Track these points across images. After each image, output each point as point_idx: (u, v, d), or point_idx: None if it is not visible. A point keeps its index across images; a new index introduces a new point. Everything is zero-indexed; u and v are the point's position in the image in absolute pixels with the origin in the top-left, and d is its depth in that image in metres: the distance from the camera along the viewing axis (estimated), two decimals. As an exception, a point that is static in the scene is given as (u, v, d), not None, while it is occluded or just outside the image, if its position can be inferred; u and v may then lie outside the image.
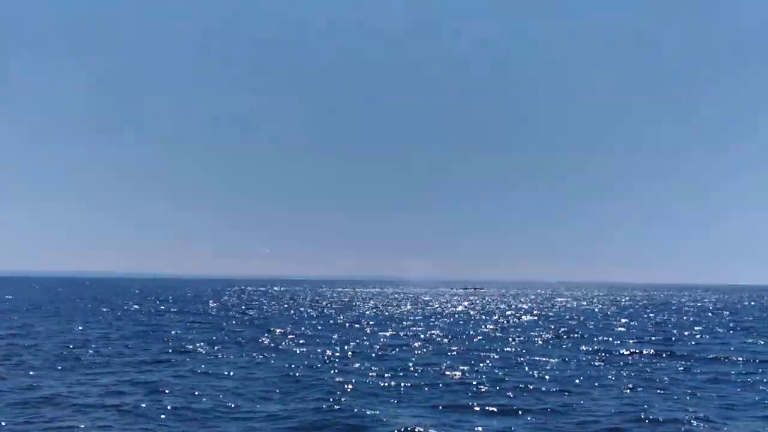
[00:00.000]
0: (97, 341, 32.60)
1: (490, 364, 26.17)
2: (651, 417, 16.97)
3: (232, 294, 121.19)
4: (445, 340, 35.60)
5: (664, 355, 29.59)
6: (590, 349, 32.06)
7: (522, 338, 37.13)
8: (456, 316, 59.46)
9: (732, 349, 32.36)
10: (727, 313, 70.34)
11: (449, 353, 29.79)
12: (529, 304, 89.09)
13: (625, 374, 24.06)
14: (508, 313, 66.07)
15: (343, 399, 18.57)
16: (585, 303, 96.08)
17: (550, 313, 65.62)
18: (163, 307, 68.03)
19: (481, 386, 21.15)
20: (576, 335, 39.63)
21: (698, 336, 39.93)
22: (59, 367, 23.75)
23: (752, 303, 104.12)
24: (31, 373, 22.39)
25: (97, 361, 25.39)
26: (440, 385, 21.40)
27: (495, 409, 17.89)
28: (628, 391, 20.68)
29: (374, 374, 23.31)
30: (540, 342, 35.34)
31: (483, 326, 46.31)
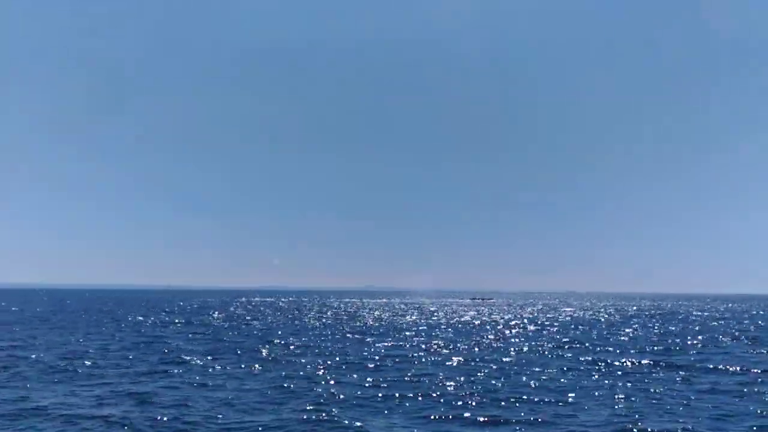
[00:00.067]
0: (96, 352, 32.69)
1: (487, 375, 26.06)
2: (641, 428, 16.84)
3: (238, 305, 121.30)
4: (446, 351, 35.47)
5: (662, 366, 29.36)
6: (589, 359, 31.86)
7: (523, 348, 36.95)
8: (460, 326, 59.26)
9: (733, 359, 32.08)
10: (734, 322, 69.76)
11: (448, 363, 29.68)
12: (535, 315, 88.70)
13: (621, 385, 23.88)
14: (513, 323, 65.79)
15: (333, 410, 18.53)
16: (591, 313, 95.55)
17: (555, 323, 65.30)
18: (167, 319, 68.18)
19: (475, 397, 21.06)
20: (577, 345, 39.40)
21: (700, 346, 39.60)
22: (54, 379, 23.87)
23: (761, 312, 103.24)
24: (27, 385, 22.49)
25: (92, 373, 25.47)
26: (434, 395, 21.32)
27: (486, 419, 17.81)
28: (622, 402, 20.53)
29: (368, 385, 23.26)
30: (540, 352, 35.15)
31: (485, 336, 46.12)
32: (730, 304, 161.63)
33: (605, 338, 45.37)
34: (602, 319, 74.72)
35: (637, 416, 18.51)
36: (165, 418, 17.31)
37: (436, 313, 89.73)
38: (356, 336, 45.29)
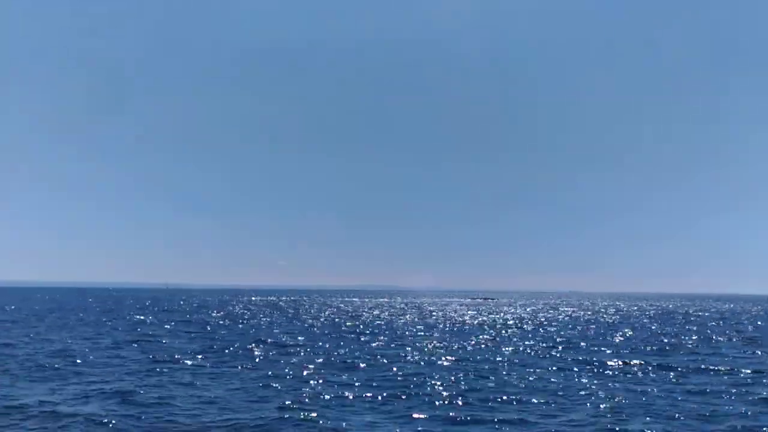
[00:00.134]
0: (87, 351, 32.63)
1: (476, 375, 25.92)
2: (623, 428, 16.72)
3: (238, 304, 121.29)
4: (439, 351, 35.32)
5: (653, 366, 29.19)
6: (581, 359, 31.72)
7: (516, 348, 36.82)
8: (457, 326, 59.13)
9: (725, 360, 31.91)
10: (732, 322, 69.55)
11: (439, 363, 29.56)
12: (533, 314, 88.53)
13: (609, 385, 23.73)
14: (510, 322, 65.64)
15: (315, 410, 18.43)
16: (591, 313, 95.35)
17: (553, 323, 65.16)
18: (164, 317, 68.13)
19: (462, 396, 20.94)
20: (571, 345, 39.25)
21: (695, 346, 39.42)
22: (40, 377, 23.82)
23: (762, 313, 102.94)
24: (12, 383, 22.43)
25: (79, 371, 25.41)
26: (420, 395, 21.21)
27: (469, 419, 17.71)
28: (608, 402, 20.37)
29: (356, 384, 23.15)
30: (533, 352, 35.01)
31: (481, 336, 46.00)
32: (731, 305, 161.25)
33: (600, 338, 45.22)
34: (601, 320, 74.55)
35: (622, 417, 18.41)
36: (144, 417, 17.25)
37: (434, 313, 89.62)
38: (351, 335, 45.19)
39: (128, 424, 16.46)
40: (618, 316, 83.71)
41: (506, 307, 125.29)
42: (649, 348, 38.01)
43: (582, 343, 40.45)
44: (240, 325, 54.90)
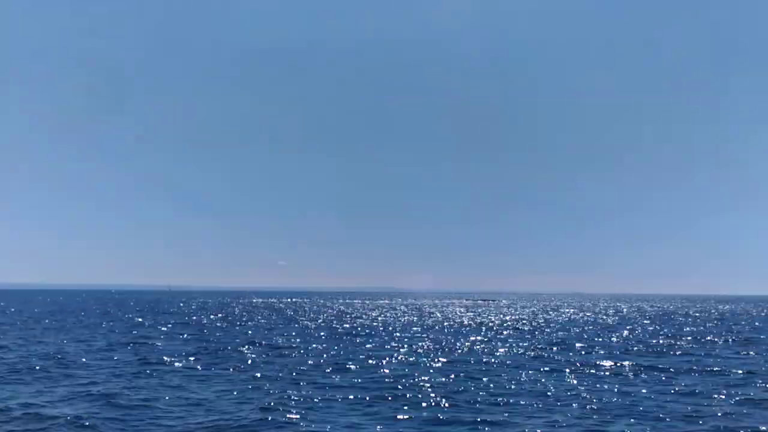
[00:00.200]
0: (78, 353, 32.64)
1: (466, 376, 25.84)
2: (607, 429, 16.66)
3: (238, 306, 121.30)
4: (433, 352, 35.27)
5: (645, 367, 29.08)
6: (574, 360, 31.65)
7: (511, 349, 36.74)
8: (455, 327, 59.05)
9: (720, 361, 31.80)
10: (732, 323, 69.38)
11: (431, 364, 29.51)
12: (532, 316, 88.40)
13: (598, 387, 23.66)
14: (508, 324, 65.55)
15: (299, 411, 18.39)
16: (591, 314, 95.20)
17: (551, 324, 65.08)
18: (163, 319, 68.14)
19: (449, 398, 20.88)
20: (566, 346, 39.17)
21: (690, 347, 39.33)
22: (28, 379, 23.82)
23: (762, 313, 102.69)
24: (-1, 384, 22.43)
25: (68, 373, 25.43)
26: (408, 396, 21.16)
27: (454, 420, 17.66)
28: (596, 403, 20.28)
29: (345, 386, 23.10)
30: (527, 353, 34.93)
31: (477, 337, 45.93)
32: (732, 305, 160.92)
33: (596, 340, 45.13)
34: (600, 321, 74.42)
35: (608, 417, 18.37)
36: (127, 419, 17.23)
37: (433, 314, 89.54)
38: (347, 337, 45.15)
39: (110, 427, 16.43)
40: (617, 317, 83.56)
41: (506, 308, 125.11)
42: (643, 349, 37.91)
43: (577, 344, 40.37)
44: (236, 327, 54.89)
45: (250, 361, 29.81)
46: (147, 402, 19.55)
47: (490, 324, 65.11)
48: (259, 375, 25.29)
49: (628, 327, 61.19)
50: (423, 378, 24.95)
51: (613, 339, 45.57)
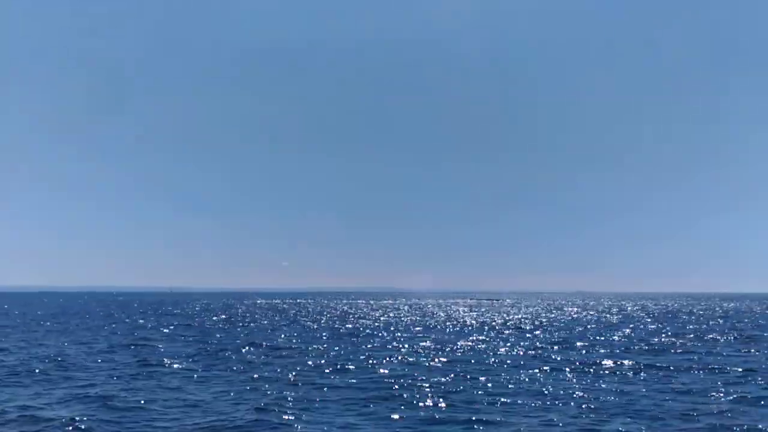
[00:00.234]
0: (78, 355, 32.71)
1: (465, 376, 25.81)
2: (602, 429, 16.63)
3: (241, 307, 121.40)
4: (432, 352, 35.25)
5: (645, 366, 29.01)
6: (574, 359, 31.59)
7: (512, 348, 36.70)
8: (457, 326, 59.01)
9: (720, 359, 31.73)
10: (735, 321, 69.19)
11: (431, 364, 29.51)
12: (536, 315, 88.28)
13: (596, 385, 23.62)
14: (510, 323, 65.48)
15: (295, 412, 18.41)
16: (594, 313, 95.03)
17: (554, 323, 65.00)
18: (165, 321, 68.24)
19: (447, 398, 20.87)
20: (567, 346, 39.12)
21: (692, 345, 39.23)
22: (26, 381, 23.88)
23: (767, 311, 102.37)
24: None
25: (67, 375, 25.50)
26: (405, 396, 21.15)
27: (451, 420, 17.66)
28: (594, 402, 20.25)
29: (341, 386, 23.12)
30: (528, 352, 34.89)
31: (479, 336, 45.89)
32: (736, 303, 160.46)
33: (598, 338, 45.04)
34: (603, 320, 74.29)
35: (605, 416, 18.35)
36: (122, 421, 17.28)
37: (436, 314, 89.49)
38: (348, 337, 45.14)
39: (105, 429, 16.48)
40: (620, 316, 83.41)
41: (510, 308, 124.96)
42: (645, 347, 37.84)
43: (578, 343, 40.31)
44: (238, 329, 54.94)
45: (249, 362, 29.84)
46: (143, 403, 19.59)
47: (493, 324, 65.04)
48: (257, 376, 25.32)
49: (630, 325, 61.07)
50: (421, 378, 24.93)
51: (614, 338, 45.49)
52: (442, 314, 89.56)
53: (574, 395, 21.43)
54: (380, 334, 48.03)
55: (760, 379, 24.92)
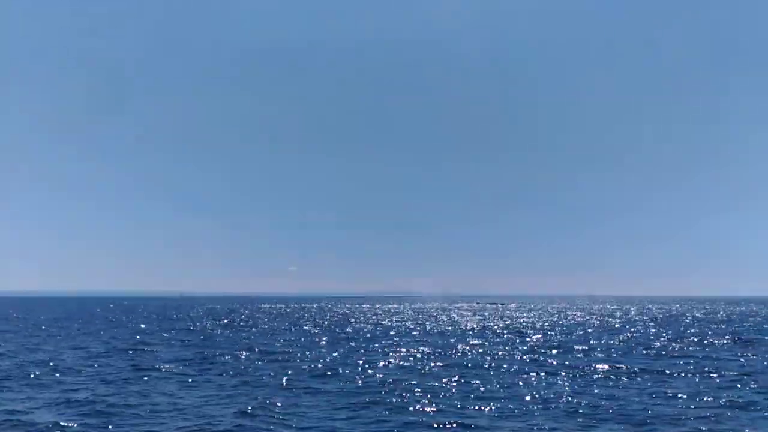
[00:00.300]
0: (73, 360, 32.82)
1: (459, 380, 25.75)
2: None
3: (245, 312, 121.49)
4: (428, 356, 35.16)
5: (640, 370, 28.84)
6: (570, 363, 31.45)
7: (509, 353, 36.59)
8: (457, 331, 58.88)
9: (716, 363, 31.54)
10: (736, 325, 68.84)
11: (424, 369, 29.38)
12: (539, 318, 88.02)
13: (588, 390, 23.55)
14: (512, 327, 65.31)
15: (277, 415, 18.41)
16: (596, 317, 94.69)
17: (556, 327, 64.81)
18: (167, 326, 68.35)
19: (434, 402, 20.83)
20: (564, 350, 38.98)
21: (689, 349, 39.04)
22: (18, 386, 23.98)
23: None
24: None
25: (59, 380, 25.59)
26: (394, 401, 21.11)
27: (437, 425, 17.61)
28: (581, 407, 20.15)
29: (331, 390, 23.10)
30: (525, 357, 34.79)
31: (477, 340, 45.76)
32: (741, 307, 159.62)
33: (597, 342, 44.84)
34: (605, 324, 74.00)
35: (593, 421, 18.27)
36: (109, 426, 17.31)
37: (438, 318, 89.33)
38: (346, 341, 45.11)
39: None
40: (623, 320, 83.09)
41: (515, 312, 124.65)
42: (643, 351, 37.69)
43: (576, 347, 40.17)
44: (238, 333, 54.97)
45: (243, 367, 29.85)
46: (131, 408, 19.61)
47: (494, 328, 64.89)
48: (248, 380, 25.34)
49: (631, 329, 60.81)
50: (413, 382, 24.89)
51: (613, 342, 45.28)
52: (444, 318, 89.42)
53: (566, 400, 21.34)
54: (379, 339, 47.97)
55: (753, 383, 24.77)
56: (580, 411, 19.50)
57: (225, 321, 79.45)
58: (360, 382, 25.24)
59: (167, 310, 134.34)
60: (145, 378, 26.13)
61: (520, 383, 25.00)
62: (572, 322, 78.74)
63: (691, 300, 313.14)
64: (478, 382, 25.16)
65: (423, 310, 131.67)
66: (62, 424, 17.31)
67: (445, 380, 25.59)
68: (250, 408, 19.38)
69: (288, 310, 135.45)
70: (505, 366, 30.42)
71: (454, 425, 17.70)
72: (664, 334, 53.09)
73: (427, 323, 74.37)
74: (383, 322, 76.15)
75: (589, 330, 60.35)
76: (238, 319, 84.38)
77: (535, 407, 20.11)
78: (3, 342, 44.97)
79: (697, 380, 25.90)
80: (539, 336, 51.66)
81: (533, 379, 26.22)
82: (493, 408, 20.00)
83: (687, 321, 79.95)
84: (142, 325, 68.86)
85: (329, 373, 27.72)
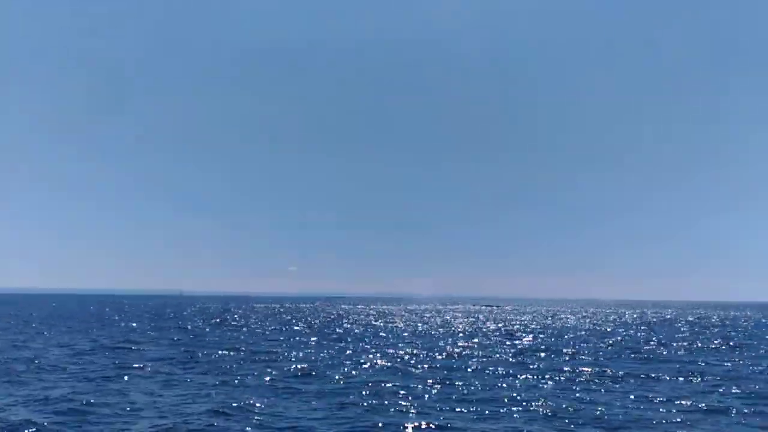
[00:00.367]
0: (58, 357, 32.68)
1: (443, 382, 25.63)
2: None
3: (238, 311, 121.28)
4: (415, 357, 35.06)
5: (625, 374, 28.78)
6: (555, 367, 31.34)
7: (497, 356, 36.52)
8: (448, 332, 58.78)
9: (702, 367, 31.50)
10: (729, 330, 68.83)
11: (409, 371, 29.25)
12: (530, 321, 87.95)
13: (569, 394, 23.45)
14: (503, 330, 65.22)
15: (252, 415, 18.31)
16: (589, 320, 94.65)
17: (547, 330, 64.75)
18: (159, 324, 68.16)
19: (416, 404, 20.74)
20: (552, 352, 38.89)
21: (677, 354, 39.00)
22: (-3, 383, 23.80)
23: (763, 320, 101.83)
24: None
25: (40, 377, 25.45)
26: (372, 403, 20.99)
27: (414, 426, 17.51)
28: (560, 411, 20.07)
29: (310, 391, 23.00)
30: (511, 359, 34.70)
31: (466, 342, 45.67)
32: (736, 312, 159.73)
33: (585, 345, 44.77)
34: (597, 327, 73.96)
35: (571, 426, 18.18)
36: (80, 422, 17.22)
37: (431, 320, 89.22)
38: (334, 342, 44.99)
39: (58, 431, 16.37)
40: (615, 324, 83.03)
41: (509, 314, 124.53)
42: (631, 355, 37.64)
43: (564, 350, 40.09)
44: (228, 333, 54.81)
45: (228, 366, 29.73)
46: (108, 406, 19.48)
47: (485, 330, 64.81)
48: (231, 380, 25.20)
49: (622, 333, 60.75)
50: (396, 384, 24.79)
51: (602, 345, 45.22)
52: (437, 320, 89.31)
53: (546, 403, 21.24)
54: (368, 340, 47.86)
55: (735, 388, 24.71)
56: (559, 415, 19.43)
57: (217, 320, 79.25)
58: (342, 382, 25.16)
59: (164, 308, 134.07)
60: (126, 377, 25.99)
61: (504, 385, 24.93)
62: (565, 325, 78.67)
63: (688, 304, 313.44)
64: (460, 384, 25.08)
65: (417, 312, 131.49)
66: (36, 421, 17.18)
67: (429, 382, 25.50)
68: (226, 408, 19.27)
69: (282, 310, 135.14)
70: (490, 368, 30.32)
71: (431, 426, 17.63)
72: (653, 339, 53.04)
73: (419, 325, 74.26)
74: (375, 323, 76.03)
75: (580, 333, 60.29)
76: (230, 319, 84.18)
77: (515, 410, 20.04)
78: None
79: (680, 384, 25.84)
80: (529, 339, 51.59)
81: (517, 381, 26.14)
82: (472, 410, 19.92)
83: (678, 325, 79.93)
84: (134, 324, 68.65)
85: (313, 373, 27.63)
